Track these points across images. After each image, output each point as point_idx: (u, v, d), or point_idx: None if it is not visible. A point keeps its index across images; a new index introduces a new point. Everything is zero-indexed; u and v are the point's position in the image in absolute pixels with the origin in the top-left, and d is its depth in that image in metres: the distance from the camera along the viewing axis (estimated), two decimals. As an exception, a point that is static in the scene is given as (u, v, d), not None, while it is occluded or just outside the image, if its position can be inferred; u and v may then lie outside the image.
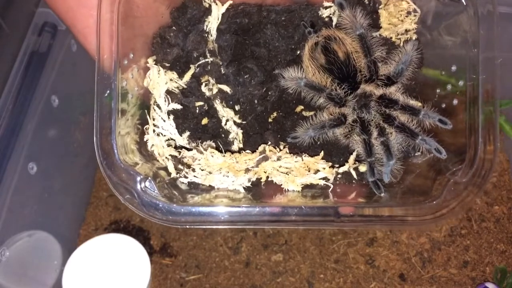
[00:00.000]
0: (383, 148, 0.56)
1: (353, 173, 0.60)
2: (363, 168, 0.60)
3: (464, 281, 0.85)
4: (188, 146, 0.59)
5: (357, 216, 0.53)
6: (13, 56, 0.77)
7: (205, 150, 0.59)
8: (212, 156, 0.58)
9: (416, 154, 0.62)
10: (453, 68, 0.61)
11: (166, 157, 0.59)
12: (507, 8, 0.89)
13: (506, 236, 0.89)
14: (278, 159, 0.58)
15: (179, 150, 0.59)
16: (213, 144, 0.61)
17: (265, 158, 0.58)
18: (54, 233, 0.84)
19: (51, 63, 0.81)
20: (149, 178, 0.54)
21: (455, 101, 0.60)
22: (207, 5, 0.64)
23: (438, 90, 0.63)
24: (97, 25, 0.53)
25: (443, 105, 0.61)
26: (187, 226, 0.55)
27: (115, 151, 0.53)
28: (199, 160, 0.58)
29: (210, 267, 0.88)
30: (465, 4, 0.57)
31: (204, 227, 0.55)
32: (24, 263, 0.78)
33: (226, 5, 0.63)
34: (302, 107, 0.63)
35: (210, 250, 0.89)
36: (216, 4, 0.64)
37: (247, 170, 0.58)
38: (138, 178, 0.53)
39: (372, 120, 0.58)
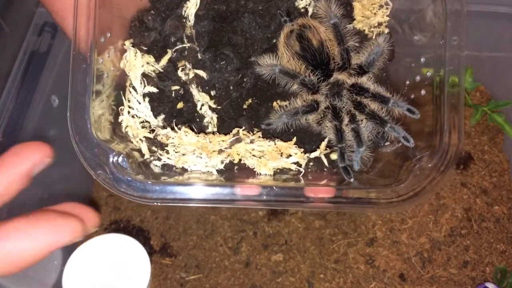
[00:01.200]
0: (354, 134, 0.58)
1: (325, 161, 0.61)
2: (334, 156, 0.61)
3: (464, 281, 0.85)
4: (162, 130, 0.60)
5: (327, 198, 0.54)
6: (13, 56, 0.77)
7: (179, 129, 0.59)
8: (186, 135, 0.58)
9: (385, 144, 0.63)
10: (422, 59, 0.63)
11: (140, 139, 0.59)
12: (507, 8, 0.89)
13: (506, 236, 0.89)
14: (251, 142, 0.59)
15: (154, 129, 0.59)
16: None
17: (238, 140, 0.59)
18: (54, 233, 0.83)
19: (51, 63, 0.81)
20: (122, 155, 0.53)
21: (423, 92, 0.61)
22: None
23: (407, 82, 0.64)
24: (74, 5, 0.54)
25: (412, 96, 0.62)
26: (158, 204, 0.54)
27: (89, 126, 0.52)
28: (172, 138, 0.58)
29: (210, 267, 0.88)
30: None
31: (176, 205, 0.55)
32: (24, 263, 0.78)
33: None
34: (278, 101, 0.64)
35: (210, 250, 0.89)
36: None
37: (220, 151, 0.58)
38: (111, 154, 0.53)
39: (344, 107, 0.60)
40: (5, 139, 0.73)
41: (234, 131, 0.60)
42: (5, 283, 0.74)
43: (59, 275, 0.80)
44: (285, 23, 0.64)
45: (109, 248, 0.80)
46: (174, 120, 0.61)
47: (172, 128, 0.59)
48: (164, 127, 0.60)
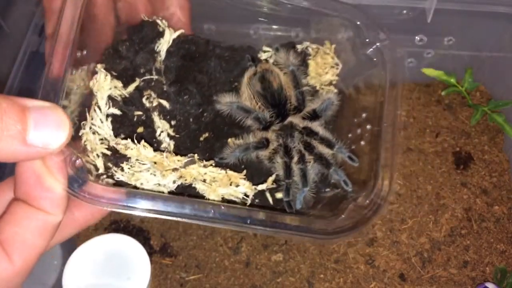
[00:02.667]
0: (301, 173, 0.63)
1: (269, 198, 0.65)
2: (279, 195, 0.66)
3: (464, 281, 0.85)
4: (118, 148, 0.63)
5: (268, 222, 0.58)
6: (13, 56, 0.77)
7: (139, 143, 0.63)
8: (145, 149, 0.62)
9: (326, 190, 0.68)
10: (364, 115, 0.73)
11: (97, 154, 0.62)
12: (507, 8, 0.90)
13: (506, 236, 0.89)
14: (205, 166, 0.63)
15: (112, 146, 0.63)
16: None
17: (193, 161, 0.63)
18: (54, 233, 0.84)
19: (51, 63, 0.81)
20: (80, 159, 0.56)
21: (362, 142, 0.70)
22: (161, 29, 0.72)
23: (350, 135, 0.73)
24: (61, 10, 0.58)
25: (353, 147, 0.70)
26: (108, 209, 0.56)
27: None
28: (131, 149, 0.62)
29: (210, 267, 0.88)
30: (375, 61, 0.70)
31: (125, 211, 0.57)
32: (24, 263, 0.78)
33: (178, 32, 0.72)
34: (233, 139, 0.69)
35: (210, 250, 0.89)
36: (169, 30, 0.72)
37: (174, 169, 0.62)
38: (72, 156, 0.55)
39: (294, 147, 0.66)
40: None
41: (190, 155, 0.64)
42: (5, 283, 0.74)
43: (59, 275, 0.80)
44: (250, 67, 0.71)
45: (109, 248, 0.80)
46: (135, 135, 0.64)
47: (132, 140, 0.62)
48: (125, 139, 0.63)
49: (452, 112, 1.03)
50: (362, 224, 0.60)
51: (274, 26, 0.79)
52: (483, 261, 0.87)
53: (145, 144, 0.63)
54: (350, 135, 0.73)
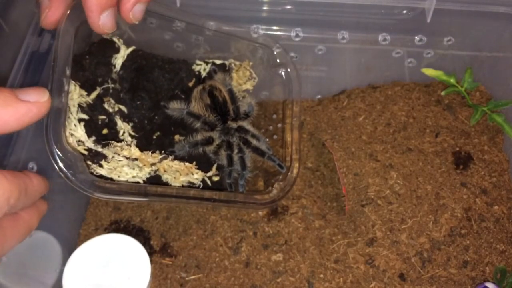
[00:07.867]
0: (240, 161, 0.81)
1: (208, 181, 0.82)
2: (216, 178, 0.83)
3: (464, 281, 0.85)
4: (95, 148, 0.74)
5: (226, 199, 0.78)
6: (13, 56, 0.77)
7: (131, 145, 0.78)
8: (134, 149, 0.77)
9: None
10: (274, 116, 0.99)
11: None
12: (507, 8, 0.90)
13: (506, 236, 0.89)
14: (172, 160, 0.79)
15: (90, 148, 0.74)
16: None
17: (166, 158, 0.78)
18: (54, 233, 0.84)
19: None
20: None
21: (275, 136, 0.96)
22: (117, 46, 0.85)
23: (262, 130, 0.96)
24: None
25: (267, 140, 0.91)
26: (111, 199, 0.71)
27: (63, 136, 0.66)
28: (125, 149, 0.76)
29: (210, 267, 0.88)
30: (283, 77, 0.94)
31: (123, 198, 0.76)
32: (24, 263, 0.78)
33: (131, 49, 0.86)
34: (178, 136, 0.85)
35: (210, 250, 0.89)
36: (125, 46, 0.86)
37: (152, 164, 0.76)
38: (80, 159, 0.67)
39: (234, 142, 0.83)
40: (5, 139, 0.73)
41: (163, 152, 0.79)
42: (5, 283, 0.74)
43: (59, 275, 0.80)
44: (199, 83, 0.89)
45: (109, 248, 0.80)
46: (131, 139, 0.79)
47: (127, 144, 0.77)
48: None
49: (452, 112, 1.03)
50: (283, 196, 0.81)
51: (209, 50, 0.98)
52: (483, 261, 0.87)
53: (135, 145, 0.78)
54: (262, 130, 0.96)
